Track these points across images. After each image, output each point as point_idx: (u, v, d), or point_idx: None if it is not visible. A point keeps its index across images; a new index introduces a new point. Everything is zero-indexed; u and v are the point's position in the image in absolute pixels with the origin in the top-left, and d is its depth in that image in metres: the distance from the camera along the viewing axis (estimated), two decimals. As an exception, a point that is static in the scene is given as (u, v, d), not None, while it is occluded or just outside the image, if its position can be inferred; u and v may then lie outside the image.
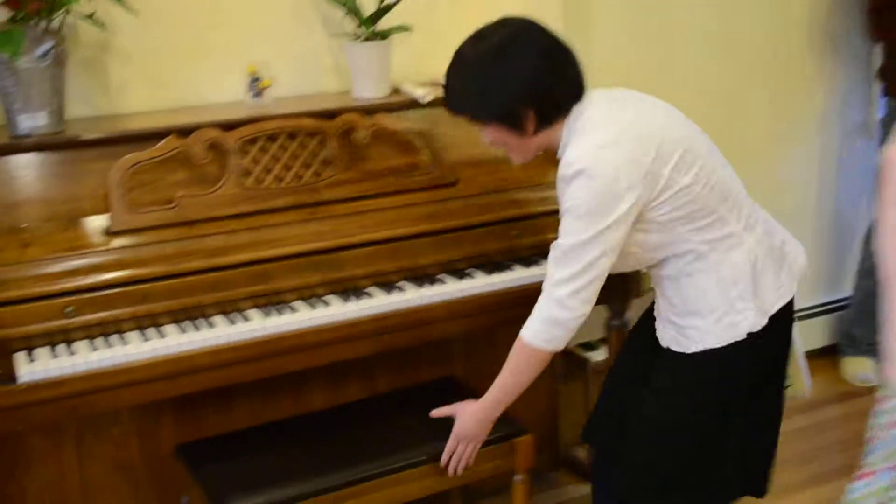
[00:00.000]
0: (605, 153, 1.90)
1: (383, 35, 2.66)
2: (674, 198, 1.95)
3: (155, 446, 2.48)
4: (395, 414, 2.43)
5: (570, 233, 1.94)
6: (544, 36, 2.01)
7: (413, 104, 2.63)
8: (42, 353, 2.07)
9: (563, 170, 1.94)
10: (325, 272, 2.36)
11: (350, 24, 2.72)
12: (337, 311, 2.27)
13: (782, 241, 2.12)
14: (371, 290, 2.38)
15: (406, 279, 2.44)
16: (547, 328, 1.99)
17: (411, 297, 2.34)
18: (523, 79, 1.96)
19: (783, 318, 2.09)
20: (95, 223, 2.27)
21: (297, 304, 2.30)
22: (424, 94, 2.60)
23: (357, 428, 2.37)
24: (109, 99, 2.60)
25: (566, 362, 3.07)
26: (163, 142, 2.31)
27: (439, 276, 2.45)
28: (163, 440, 2.48)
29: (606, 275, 1.97)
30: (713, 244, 2.00)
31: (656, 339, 2.15)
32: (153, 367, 2.07)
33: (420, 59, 2.94)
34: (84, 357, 2.05)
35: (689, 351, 2.06)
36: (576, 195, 1.91)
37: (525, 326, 2.03)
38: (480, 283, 2.41)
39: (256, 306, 2.30)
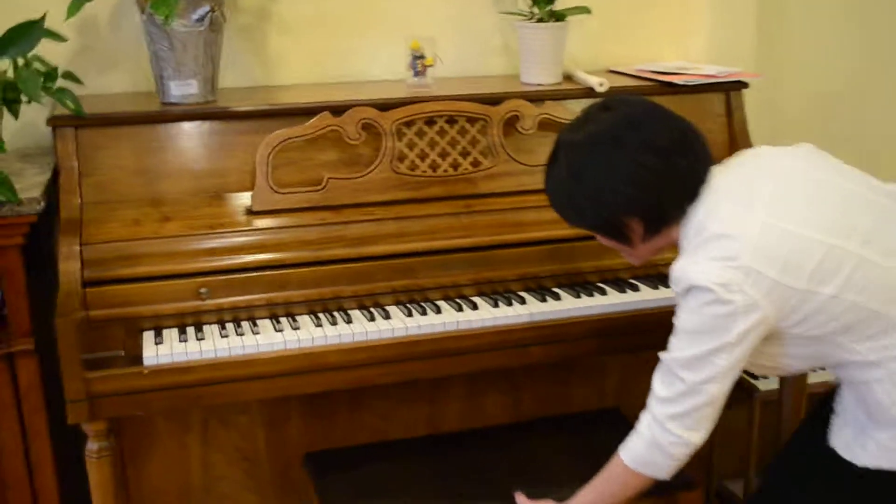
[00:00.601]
0: (717, 268, 1.56)
1: (560, 16, 2.42)
2: (818, 312, 1.59)
3: (281, 442, 2.34)
4: (542, 444, 2.19)
5: (675, 347, 1.64)
6: (656, 123, 1.66)
7: (588, 93, 2.38)
8: (170, 335, 1.96)
9: (673, 284, 1.64)
10: (474, 271, 2.17)
11: (524, 3, 2.50)
12: (486, 314, 2.06)
13: None
14: (524, 294, 2.16)
15: (562, 285, 2.22)
16: (646, 451, 1.69)
17: (569, 306, 2.12)
18: (623, 186, 1.64)
19: None
20: (239, 201, 2.15)
21: (442, 303, 2.12)
22: (600, 82, 2.36)
23: (498, 457, 2.14)
24: (266, 70, 2.48)
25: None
26: (315, 119, 2.16)
27: (599, 285, 2.21)
28: (289, 436, 2.34)
29: (719, 401, 1.65)
30: (888, 351, 1.61)
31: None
32: (282, 360, 1.93)
33: (596, 44, 2.70)
34: (213, 344, 1.92)
35: (857, 463, 1.69)
36: (685, 308, 1.62)
37: (624, 442, 1.73)
38: (647, 297, 2.16)
39: (398, 302, 2.13)
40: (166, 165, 2.15)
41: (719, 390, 1.63)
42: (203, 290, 2.01)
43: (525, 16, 2.47)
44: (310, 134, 2.16)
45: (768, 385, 2.71)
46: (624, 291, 2.18)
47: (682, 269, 1.61)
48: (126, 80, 2.42)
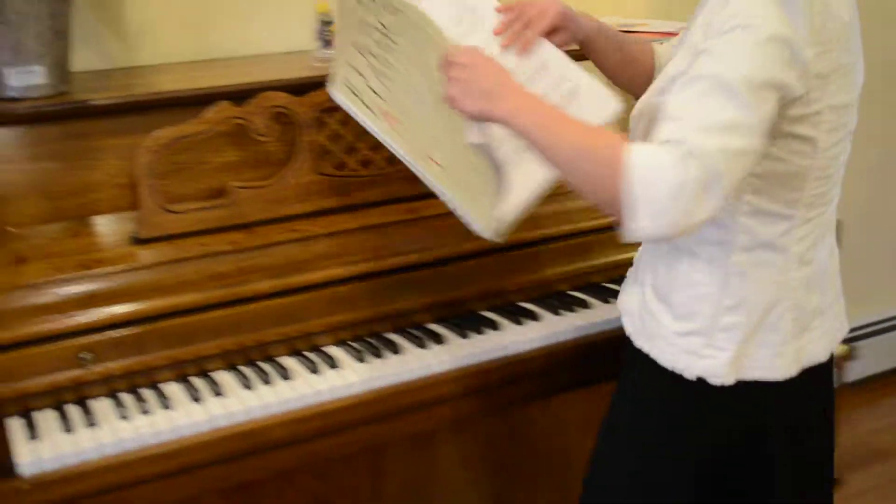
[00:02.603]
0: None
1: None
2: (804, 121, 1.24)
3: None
4: None
5: (741, 60, 1.16)
6: None
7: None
8: (48, 422, 1.42)
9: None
10: (433, 293, 1.73)
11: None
12: (457, 349, 1.63)
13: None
14: (492, 315, 1.75)
15: (533, 300, 1.81)
16: (654, 173, 1.14)
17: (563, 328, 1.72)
18: None
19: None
20: (117, 226, 1.62)
21: (399, 340, 1.66)
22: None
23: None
24: (127, 46, 1.91)
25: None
26: (211, 110, 1.64)
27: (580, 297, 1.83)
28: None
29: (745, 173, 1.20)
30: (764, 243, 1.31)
31: None
32: (211, 445, 1.43)
33: None
34: (112, 431, 1.40)
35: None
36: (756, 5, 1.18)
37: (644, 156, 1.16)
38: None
39: (340, 342, 1.66)
40: (9, 186, 1.59)
41: (759, 145, 1.19)
42: (84, 353, 1.48)
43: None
44: (205, 131, 1.65)
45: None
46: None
47: None
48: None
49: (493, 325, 1.71)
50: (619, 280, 1.54)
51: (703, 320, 1.32)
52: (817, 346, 1.38)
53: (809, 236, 1.33)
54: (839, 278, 1.43)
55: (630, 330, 1.42)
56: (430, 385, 1.59)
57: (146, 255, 1.58)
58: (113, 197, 1.65)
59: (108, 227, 1.62)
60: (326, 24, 1.87)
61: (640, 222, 1.15)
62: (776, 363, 1.33)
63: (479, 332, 1.68)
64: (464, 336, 1.67)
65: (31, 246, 1.55)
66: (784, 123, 1.23)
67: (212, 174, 1.70)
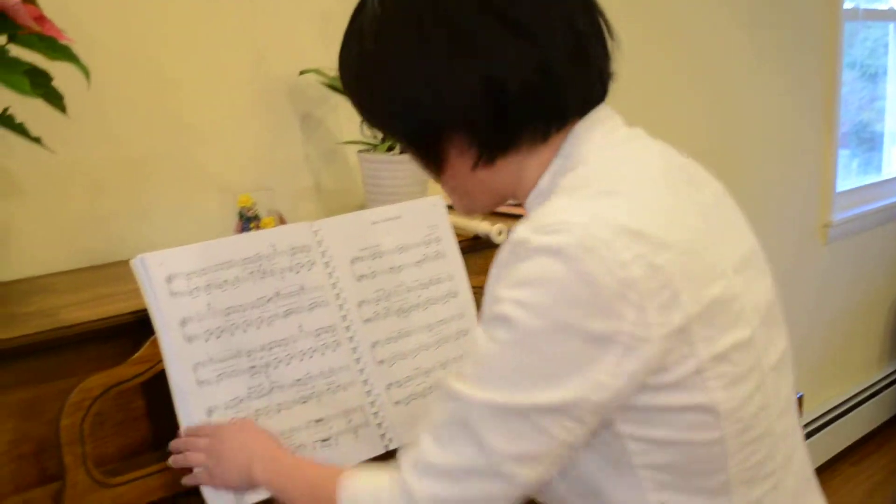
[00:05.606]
0: (616, 233, 0.90)
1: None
2: (687, 386, 0.93)
3: None
4: None
5: (484, 377, 0.93)
6: None
7: (472, 245, 1.75)
8: None
9: (527, 233, 0.92)
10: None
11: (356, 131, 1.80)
12: None
13: None
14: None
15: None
16: None
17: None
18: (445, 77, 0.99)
19: None
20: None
21: None
22: (498, 230, 1.74)
23: None
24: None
25: None
26: (147, 346, 1.28)
27: None
28: None
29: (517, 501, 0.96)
30: None
31: None
32: None
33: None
34: None
35: None
36: (531, 289, 0.90)
37: (350, 479, 1.03)
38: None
39: None
40: None
41: (533, 476, 0.93)
42: None
43: (370, 145, 1.77)
44: (142, 373, 1.28)
45: None
46: None
47: (560, 216, 0.93)
48: None
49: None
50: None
51: None
52: None
53: None
54: None
55: None
56: None
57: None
58: (14, 473, 1.23)
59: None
60: (248, 220, 1.56)
61: None
62: None
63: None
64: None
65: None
66: (650, 395, 0.92)
67: (139, 422, 1.33)
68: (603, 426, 0.94)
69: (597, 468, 0.97)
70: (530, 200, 1.05)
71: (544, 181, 1.03)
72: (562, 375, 0.89)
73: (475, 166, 1.03)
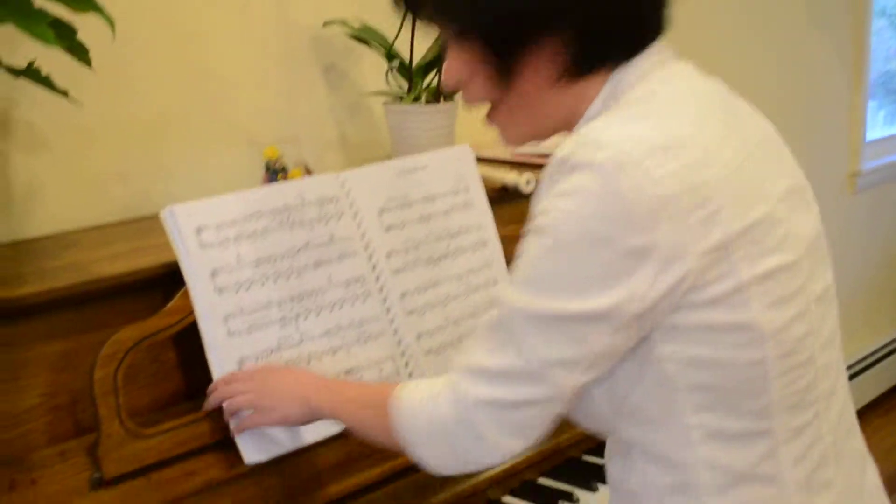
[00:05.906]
0: (648, 152, 0.90)
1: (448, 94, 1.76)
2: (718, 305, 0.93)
3: None
4: None
5: (525, 283, 0.95)
6: None
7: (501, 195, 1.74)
8: None
9: (567, 151, 0.93)
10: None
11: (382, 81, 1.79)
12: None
13: None
14: None
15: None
16: (425, 423, 1.02)
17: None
18: None
19: None
20: (62, 465, 1.21)
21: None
22: (527, 180, 1.73)
23: None
24: (7, 214, 1.49)
25: None
26: (178, 298, 1.28)
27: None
28: None
29: (561, 407, 0.98)
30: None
31: None
32: None
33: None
34: None
35: None
36: (569, 200, 0.91)
37: (407, 387, 1.07)
38: None
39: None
40: None
41: (574, 382, 0.95)
42: None
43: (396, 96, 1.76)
44: (172, 325, 1.28)
45: None
46: None
47: (601, 135, 0.94)
48: None
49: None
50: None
51: None
52: None
53: (809, 453, 0.99)
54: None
55: None
56: None
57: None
58: (44, 430, 1.24)
59: (50, 469, 1.21)
60: (275, 172, 1.55)
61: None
62: None
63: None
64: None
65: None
66: (691, 312, 0.92)
67: (173, 373, 1.33)
68: (644, 344, 0.95)
69: (638, 389, 0.97)
70: (579, 127, 1.02)
71: (594, 108, 1.01)
72: (598, 285, 0.91)
73: (558, 79, 0.99)
